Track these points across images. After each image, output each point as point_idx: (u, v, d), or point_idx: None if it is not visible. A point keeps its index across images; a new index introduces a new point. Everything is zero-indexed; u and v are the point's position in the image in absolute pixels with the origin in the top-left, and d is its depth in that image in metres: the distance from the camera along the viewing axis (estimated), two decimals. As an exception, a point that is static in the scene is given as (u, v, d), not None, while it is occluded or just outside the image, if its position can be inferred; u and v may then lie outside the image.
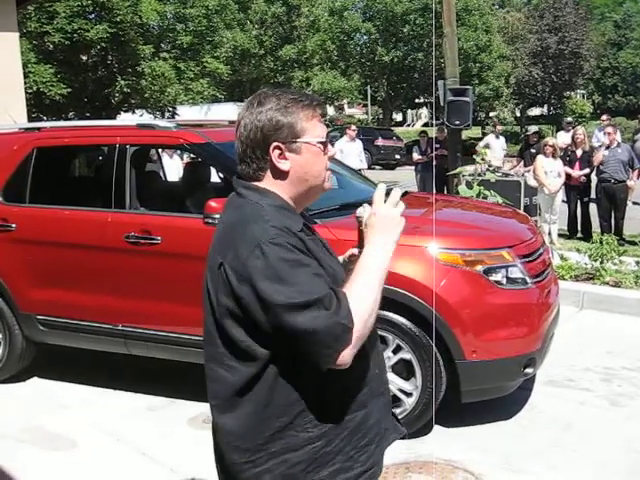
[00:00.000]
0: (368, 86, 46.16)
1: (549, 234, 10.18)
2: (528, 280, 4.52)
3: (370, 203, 1.97)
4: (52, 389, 5.52)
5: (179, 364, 5.00)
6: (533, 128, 14.57)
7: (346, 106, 59.71)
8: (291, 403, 1.82)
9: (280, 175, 1.89)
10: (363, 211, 1.98)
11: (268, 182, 1.90)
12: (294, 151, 1.88)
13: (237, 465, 1.88)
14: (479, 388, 4.45)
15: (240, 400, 1.85)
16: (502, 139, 16.13)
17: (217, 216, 3.46)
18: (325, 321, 1.71)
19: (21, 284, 5.36)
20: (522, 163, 13.30)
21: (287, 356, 1.79)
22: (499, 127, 17.29)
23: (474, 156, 10.15)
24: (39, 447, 4.49)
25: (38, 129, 5.89)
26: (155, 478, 4.05)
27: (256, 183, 1.90)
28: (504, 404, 4.82)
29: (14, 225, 5.35)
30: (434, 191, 9.76)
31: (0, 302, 5.45)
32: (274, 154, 1.87)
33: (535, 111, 54.59)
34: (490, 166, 10.66)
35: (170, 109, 25.25)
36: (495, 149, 15.08)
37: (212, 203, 4.25)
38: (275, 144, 1.86)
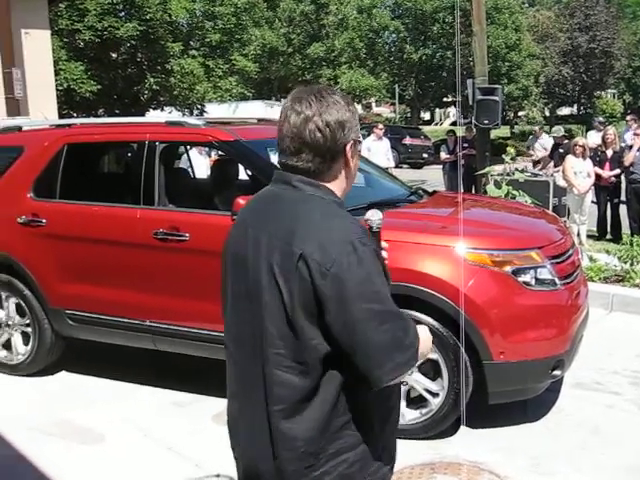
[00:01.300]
0: (396, 84, 45.99)
1: (578, 235, 10.07)
2: (557, 281, 4.48)
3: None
4: (80, 383, 5.57)
5: (205, 360, 5.02)
6: (559, 130, 14.35)
7: (374, 104, 59.59)
8: (350, 402, 1.82)
9: (344, 173, 1.93)
10: (372, 215, 2.03)
11: (326, 179, 1.90)
12: (357, 150, 1.95)
13: (298, 472, 1.83)
14: (506, 390, 4.41)
15: (308, 403, 1.80)
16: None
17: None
18: (399, 339, 1.78)
19: (51, 279, 5.42)
20: (552, 163, 13.17)
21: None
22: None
23: (503, 155, 10.07)
24: (68, 441, 4.54)
25: (69, 125, 5.96)
26: (180, 473, 4.07)
27: (311, 179, 1.89)
28: (531, 406, 4.78)
29: (44, 220, 5.41)
30: (461, 190, 9.70)
31: (30, 296, 5.51)
32: (349, 152, 1.90)
33: (565, 111, 54.04)
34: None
35: (198, 107, 25.36)
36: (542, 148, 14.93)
37: (240, 200, 4.26)
38: (351, 142, 1.90)
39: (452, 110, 57.75)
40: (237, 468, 2.06)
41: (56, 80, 14.68)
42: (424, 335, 1.92)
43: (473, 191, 12.57)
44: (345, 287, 1.72)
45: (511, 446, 4.34)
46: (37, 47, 12.60)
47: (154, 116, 21.59)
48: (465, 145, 14.26)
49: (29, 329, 5.61)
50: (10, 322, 5.70)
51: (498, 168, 10.58)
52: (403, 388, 4.35)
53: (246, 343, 1.90)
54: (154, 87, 22.67)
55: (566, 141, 13.29)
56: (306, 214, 1.82)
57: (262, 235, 1.86)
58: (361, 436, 1.85)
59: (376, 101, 55.57)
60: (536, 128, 16.55)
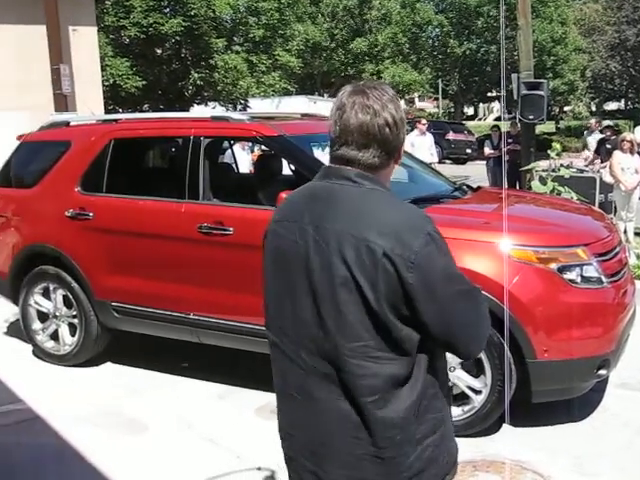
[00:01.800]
0: (439, 79, 45.67)
1: (625, 232, 9.89)
2: (604, 279, 4.41)
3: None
4: (125, 374, 5.66)
5: (249, 353, 5.06)
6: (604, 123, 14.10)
7: (417, 99, 59.27)
8: (429, 385, 1.88)
9: (392, 170, 1.96)
10: None
11: (382, 174, 1.92)
12: None
13: (395, 460, 1.85)
14: (550, 388, 4.36)
15: (400, 390, 1.83)
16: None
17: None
18: (483, 311, 1.92)
19: (97, 271, 5.51)
20: (599, 159, 12.94)
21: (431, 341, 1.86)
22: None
23: (548, 151, 9.93)
24: (112, 430, 4.62)
25: (115, 121, 6.03)
26: (222, 465, 4.10)
27: (369, 174, 1.89)
28: (576, 405, 4.71)
29: (91, 214, 5.50)
30: (505, 186, 9.60)
31: (77, 288, 5.61)
32: (402, 149, 1.93)
33: (612, 105, 53.01)
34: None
35: (242, 102, 25.44)
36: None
37: (284, 195, 4.27)
38: (404, 141, 1.94)
39: (496, 105, 57.13)
40: (292, 468, 2.04)
41: (102, 76, 14.88)
42: None
43: (517, 187, 12.43)
44: (432, 275, 1.78)
45: (555, 445, 4.29)
46: (84, 44, 12.79)
47: (198, 111, 21.75)
48: (509, 140, 14.09)
49: (76, 320, 5.72)
50: (58, 313, 5.82)
51: (543, 164, 10.45)
52: (446, 385, 4.34)
53: (311, 341, 1.88)
54: (198, 82, 22.83)
55: (613, 137, 13.05)
56: (376, 208, 1.84)
57: (327, 232, 1.84)
58: (440, 418, 1.92)
59: (419, 96, 55.27)
60: (592, 121, 16.16)
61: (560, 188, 8.25)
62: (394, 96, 1.91)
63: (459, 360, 4.32)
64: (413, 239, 1.77)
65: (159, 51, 23.32)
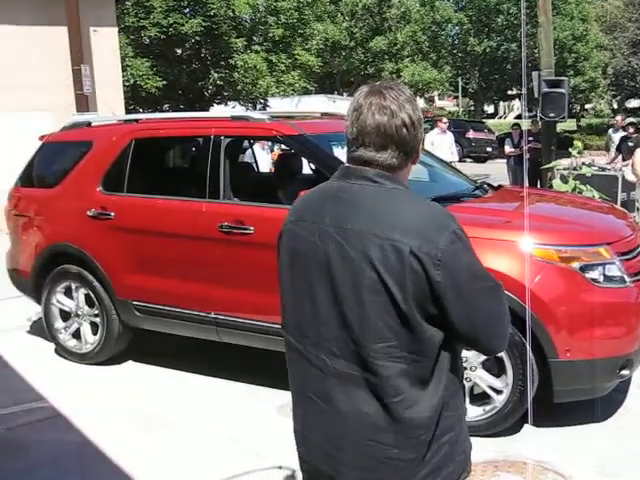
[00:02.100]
0: (459, 78, 45.47)
1: (648, 231, 9.77)
2: (626, 279, 4.36)
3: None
4: (146, 373, 5.70)
5: (270, 352, 5.07)
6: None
7: (437, 98, 59.09)
8: (449, 383, 1.88)
9: (409, 169, 1.95)
10: None
11: (399, 174, 1.91)
12: None
13: (415, 460, 1.85)
14: (572, 388, 4.33)
15: (425, 390, 1.83)
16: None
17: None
18: (506, 306, 1.94)
19: (118, 270, 5.55)
20: (620, 157, 12.83)
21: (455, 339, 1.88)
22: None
23: (570, 149, 9.86)
24: (134, 428, 4.65)
25: (136, 121, 6.06)
26: (242, 464, 4.11)
27: (388, 173, 1.88)
28: (598, 406, 4.67)
29: (113, 213, 5.54)
30: (526, 185, 9.54)
31: (99, 287, 5.65)
32: (419, 150, 1.93)
33: (633, 103, 52.49)
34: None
35: (262, 101, 25.51)
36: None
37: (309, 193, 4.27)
38: (421, 141, 1.94)
39: (516, 103, 56.82)
40: (307, 471, 2.04)
41: (123, 76, 14.99)
42: None
43: (538, 186, 12.35)
44: (458, 272, 1.79)
45: (577, 446, 4.26)
46: (105, 44, 12.90)
47: (218, 111, 21.83)
48: (530, 139, 14.02)
49: (97, 319, 5.76)
50: (80, 312, 5.87)
51: (564, 162, 10.37)
52: (467, 384, 4.32)
53: (331, 342, 1.87)
54: (218, 82, 22.93)
55: (635, 134, 12.92)
56: (399, 207, 1.83)
57: (350, 233, 1.82)
58: (458, 416, 1.93)
59: (439, 95, 55.08)
60: (617, 118, 15.95)
61: (582, 186, 8.18)
62: (411, 96, 1.90)
63: (480, 359, 4.31)
64: (439, 237, 1.77)
65: (179, 51, 23.44)
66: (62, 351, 6.02)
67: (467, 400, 4.26)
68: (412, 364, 1.81)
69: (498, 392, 4.33)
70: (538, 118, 12.02)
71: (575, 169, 9.43)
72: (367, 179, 1.86)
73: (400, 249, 1.75)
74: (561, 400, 4.36)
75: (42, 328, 6.23)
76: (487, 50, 40.35)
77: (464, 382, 2.09)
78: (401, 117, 1.84)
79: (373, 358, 1.81)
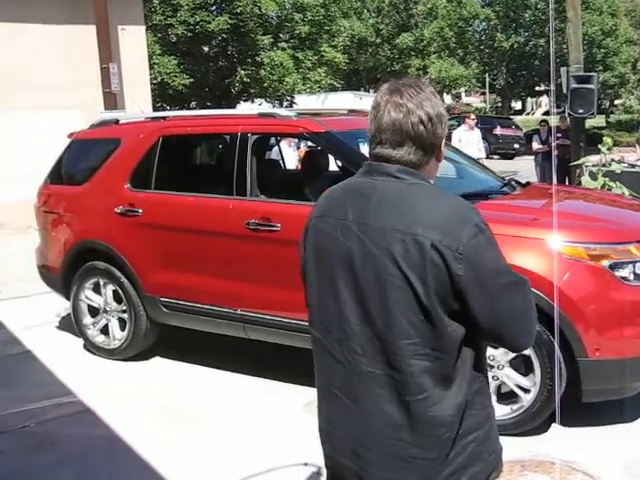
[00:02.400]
0: (486, 74, 45.16)
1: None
2: (657, 277, 4.30)
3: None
4: (174, 369, 5.74)
5: (296, 349, 5.08)
6: None
7: (463, 94, 58.75)
8: (473, 381, 1.87)
9: (434, 167, 1.94)
10: None
11: (422, 171, 1.90)
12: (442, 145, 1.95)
13: (439, 459, 1.84)
14: (601, 388, 4.28)
15: (448, 388, 1.82)
16: None
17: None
18: (532, 302, 1.91)
19: (146, 267, 5.59)
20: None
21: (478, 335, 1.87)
22: None
23: (599, 146, 9.74)
24: (161, 424, 4.68)
25: (163, 118, 6.10)
26: (269, 460, 4.12)
27: (410, 169, 1.88)
28: (627, 406, 4.62)
29: (140, 210, 5.58)
30: (554, 182, 9.46)
31: (126, 284, 5.70)
32: (442, 146, 1.92)
33: (664, 99, 51.83)
34: None
35: (288, 98, 25.52)
36: None
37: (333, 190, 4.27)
38: (445, 137, 1.92)
39: (544, 99, 56.30)
40: (332, 468, 2.04)
41: (150, 74, 15.05)
42: None
43: (567, 183, 12.24)
44: (481, 267, 1.77)
45: (605, 446, 4.21)
46: (133, 42, 12.97)
47: (245, 108, 21.90)
48: (559, 135, 13.90)
49: (125, 315, 5.81)
50: (108, 308, 5.92)
51: (594, 159, 10.25)
52: (494, 383, 4.29)
53: (354, 340, 1.87)
54: (244, 79, 22.95)
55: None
56: (421, 202, 1.82)
57: (372, 229, 1.83)
58: (486, 414, 1.91)
59: (465, 91, 54.73)
60: None
61: (611, 183, 8.08)
62: (431, 93, 1.89)
63: (508, 358, 4.28)
64: (461, 231, 1.76)
65: (206, 49, 23.52)
66: (90, 346, 6.09)
67: (494, 399, 4.24)
68: (435, 361, 1.80)
69: (526, 391, 4.30)
70: (566, 114, 11.89)
71: (604, 166, 9.29)
72: (389, 175, 1.87)
73: (421, 243, 1.75)
74: (589, 400, 4.31)
75: (71, 324, 6.29)
76: (515, 46, 40.06)
77: (490, 380, 2.06)
78: (417, 114, 1.84)
79: (397, 355, 1.81)
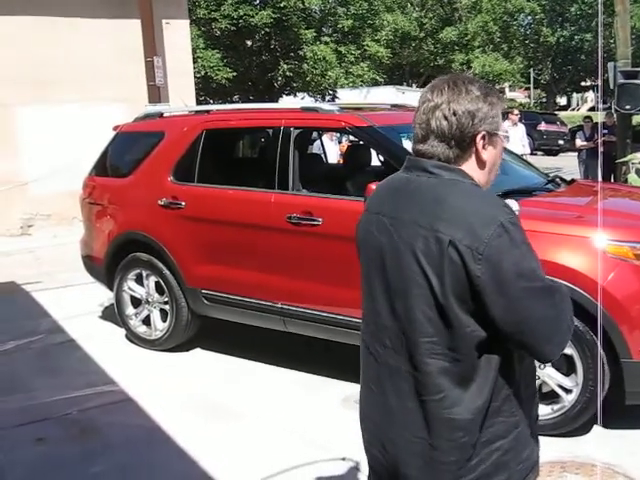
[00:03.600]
0: (531, 68, 44.59)
1: None
2: None
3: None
4: (215, 361, 5.78)
5: (336, 344, 5.08)
6: None
7: (507, 89, 58.04)
8: (501, 387, 1.81)
9: (478, 163, 1.89)
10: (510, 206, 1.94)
11: (461, 167, 1.87)
12: (492, 143, 1.89)
13: (458, 463, 1.80)
14: (645, 390, 4.20)
15: (466, 390, 1.78)
16: None
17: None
18: (562, 311, 1.80)
19: (188, 259, 5.63)
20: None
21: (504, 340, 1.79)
22: None
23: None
24: (201, 416, 4.72)
25: (207, 112, 6.14)
26: (306, 455, 4.13)
27: (446, 164, 1.86)
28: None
29: (183, 203, 5.62)
30: (600, 179, 9.30)
31: (168, 275, 5.75)
32: (479, 143, 1.86)
33: None
34: None
35: (330, 92, 25.52)
36: None
37: (373, 186, 4.25)
38: (482, 133, 1.85)
39: (590, 95, 55.41)
40: (368, 460, 2.05)
41: (194, 68, 15.18)
42: None
43: (612, 180, 12.03)
44: (502, 269, 1.70)
45: (649, 449, 4.14)
46: (177, 36, 13.09)
47: (287, 102, 21.94)
48: (605, 132, 13.64)
49: (167, 307, 5.87)
50: (150, 299, 5.99)
51: (641, 156, 10.04)
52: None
53: (384, 333, 1.89)
54: (287, 74, 23.05)
55: None
56: (449, 198, 1.79)
57: (400, 223, 1.84)
58: (514, 422, 1.84)
59: (510, 86, 54.10)
60: None
61: (659, 181, 7.93)
62: (469, 90, 1.85)
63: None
64: (484, 230, 1.71)
65: (249, 43, 23.65)
66: (132, 337, 6.17)
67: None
68: (454, 362, 1.77)
69: (567, 391, 4.24)
70: (613, 110, 11.69)
71: (652, 163, 9.12)
72: (424, 170, 1.86)
73: (441, 240, 1.73)
74: (632, 402, 4.23)
75: (114, 314, 6.38)
76: (560, 40, 39.51)
77: (533, 387, 1.96)
78: (442, 109, 1.83)
79: (417, 353, 1.80)
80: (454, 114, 1.82)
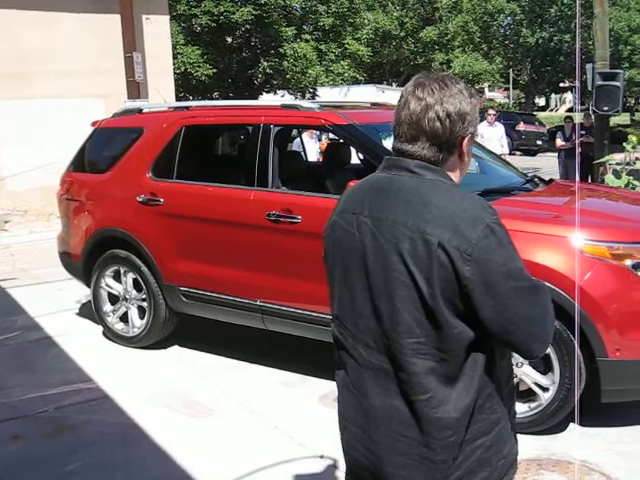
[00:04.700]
0: (510, 69, 44.88)
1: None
2: (681, 278, 4.25)
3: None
4: (192, 358, 5.76)
5: (314, 341, 5.08)
6: None
7: (487, 89, 58.35)
8: (485, 385, 1.81)
9: (460, 164, 1.89)
10: None
11: (443, 168, 1.85)
12: (470, 144, 1.89)
13: (446, 462, 1.80)
14: (621, 389, 4.23)
15: (453, 390, 1.78)
16: None
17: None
18: (547, 308, 1.82)
19: (166, 256, 5.61)
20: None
21: (490, 340, 1.80)
22: None
23: (624, 144, 9.64)
24: (178, 413, 4.71)
25: (186, 108, 6.11)
26: (284, 452, 4.13)
27: (428, 164, 1.84)
28: (647, 407, 4.59)
29: (162, 200, 5.59)
30: (577, 179, 9.37)
31: (146, 272, 5.72)
32: (466, 146, 1.86)
33: (691, 97, 51.18)
34: None
35: (311, 90, 25.47)
36: None
37: (351, 184, 4.25)
38: (470, 136, 1.85)
39: (568, 96, 55.89)
40: (347, 461, 2.03)
41: (174, 64, 15.10)
42: None
43: (589, 180, 12.13)
44: (491, 270, 1.71)
45: (624, 448, 4.18)
46: (157, 32, 13.01)
47: (267, 99, 21.91)
48: (582, 132, 13.76)
49: (145, 304, 5.84)
50: (128, 296, 5.95)
51: (618, 157, 10.14)
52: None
53: (367, 334, 1.87)
54: (267, 71, 22.96)
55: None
56: (434, 199, 1.77)
57: (384, 224, 1.81)
58: (495, 419, 1.85)
59: (489, 86, 54.40)
60: None
61: (635, 182, 8.00)
62: (458, 90, 1.84)
63: (526, 356, 4.25)
64: (471, 230, 1.70)
65: (229, 39, 23.53)
66: (109, 334, 6.13)
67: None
68: (441, 362, 1.77)
69: (544, 389, 4.27)
70: (591, 111, 11.79)
71: (629, 164, 9.19)
72: (406, 170, 1.84)
73: (429, 242, 1.72)
74: (609, 400, 4.27)
75: (91, 311, 6.33)
76: (539, 41, 39.77)
77: (512, 384, 1.97)
78: (435, 110, 1.80)
79: (402, 353, 1.79)
80: (448, 116, 1.80)
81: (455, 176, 1.88)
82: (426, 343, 1.76)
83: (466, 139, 1.84)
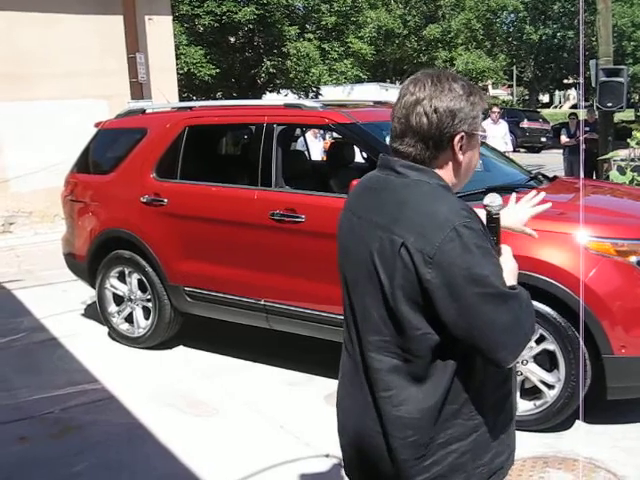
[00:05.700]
0: (514, 66, 44.80)
1: None
2: (686, 274, 4.24)
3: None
4: (197, 358, 5.76)
5: (319, 341, 5.08)
6: None
7: (490, 87, 58.22)
8: (460, 391, 1.78)
9: (454, 164, 1.84)
10: (491, 200, 1.91)
11: (433, 167, 1.82)
12: (470, 144, 1.85)
13: (408, 462, 1.79)
14: (627, 386, 4.22)
15: (418, 390, 1.77)
16: None
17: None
18: (519, 317, 1.73)
19: (170, 256, 5.61)
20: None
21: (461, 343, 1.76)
22: None
23: (628, 140, 9.62)
24: (184, 412, 4.71)
25: (189, 108, 6.10)
26: (289, 451, 4.14)
27: (415, 164, 1.82)
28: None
29: (166, 200, 5.59)
30: (582, 176, 9.35)
31: (151, 273, 5.73)
32: (457, 144, 1.81)
33: (696, 93, 51.02)
34: None
35: (314, 89, 25.44)
36: None
37: (355, 183, 4.25)
38: (461, 134, 1.81)
39: (572, 92, 55.76)
40: (342, 452, 2.06)
41: (177, 64, 15.10)
42: (511, 265, 1.88)
43: (594, 177, 12.11)
44: (453, 274, 1.67)
45: (630, 445, 4.16)
46: (159, 32, 13.02)
47: (271, 99, 21.91)
48: (586, 129, 13.72)
49: (150, 304, 5.84)
50: (132, 297, 5.96)
51: (622, 153, 10.13)
52: (518, 378, 4.26)
53: (353, 329, 1.91)
54: (270, 70, 22.95)
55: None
56: (409, 201, 1.76)
57: (364, 223, 1.84)
58: (472, 425, 1.81)
59: (493, 83, 54.26)
60: None
61: (640, 178, 7.99)
62: (454, 88, 1.80)
63: (532, 353, 4.25)
64: (436, 233, 1.68)
65: (232, 39, 23.53)
66: (115, 334, 6.14)
67: (518, 394, 4.20)
68: (406, 362, 1.77)
69: (550, 387, 4.26)
70: (595, 108, 11.77)
71: (633, 160, 9.19)
72: (391, 169, 1.84)
73: (394, 242, 1.73)
74: (615, 397, 4.26)
75: (96, 312, 6.35)
76: (543, 38, 39.71)
77: (504, 392, 1.91)
78: (423, 105, 1.78)
79: (369, 350, 1.82)
80: (435, 111, 1.77)
81: (447, 176, 1.84)
82: (391, 342, 1.78)
83: (457, 137, 1.80)
